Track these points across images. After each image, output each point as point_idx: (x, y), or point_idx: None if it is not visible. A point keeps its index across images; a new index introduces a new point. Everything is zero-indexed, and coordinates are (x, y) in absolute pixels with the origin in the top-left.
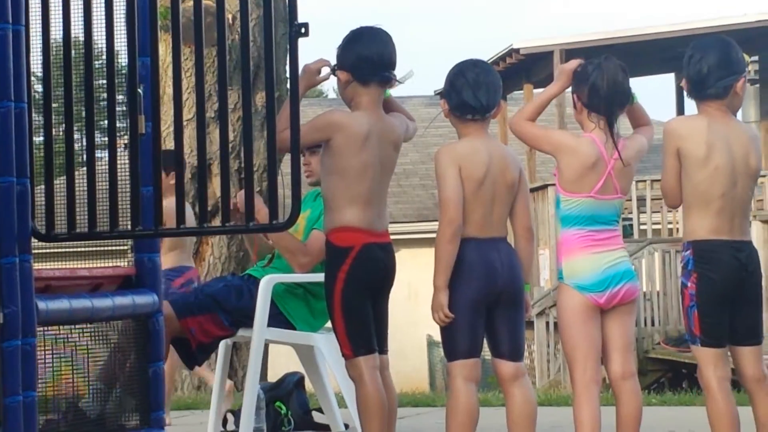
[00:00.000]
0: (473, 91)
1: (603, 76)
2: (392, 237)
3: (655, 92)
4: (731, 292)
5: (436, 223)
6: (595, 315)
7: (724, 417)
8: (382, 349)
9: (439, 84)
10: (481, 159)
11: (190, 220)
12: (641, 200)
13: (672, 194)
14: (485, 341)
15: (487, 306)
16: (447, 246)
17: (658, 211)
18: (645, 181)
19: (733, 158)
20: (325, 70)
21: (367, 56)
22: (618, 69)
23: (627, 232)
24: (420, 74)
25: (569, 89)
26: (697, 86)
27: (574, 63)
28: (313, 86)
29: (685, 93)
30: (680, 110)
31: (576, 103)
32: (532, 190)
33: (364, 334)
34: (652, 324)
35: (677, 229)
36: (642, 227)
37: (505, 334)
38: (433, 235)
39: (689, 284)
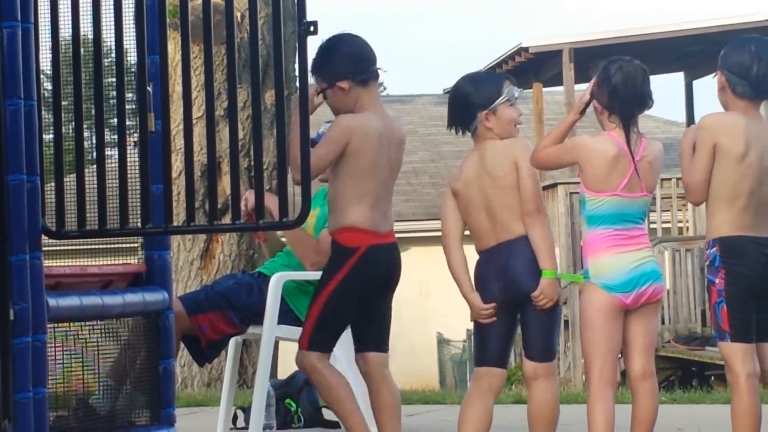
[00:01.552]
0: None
1: (624, 79)
2: (402, 235)
3: (664, 91)
4: (758, 287)
5: None
6: (619, 315)
7: (747, 414)
8: (382, 348)
9: (448, 82)
10: (463, 175)
11: None
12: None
13: (701, 190)
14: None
15: (514, 309)
16: (449, 258)
17: (668, 210)
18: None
19: (763, 157)
20: (318, 99)
21: (358, 55)
22: (638, 71)
23: None
24: (428, 73)
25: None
26: (756, 84)
27: (586, 94)
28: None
29: (726, 88)
30: (689, 109)
31: (596, 105)
32: (542, 189)
33: (332, 338)
34: (662, 322)
35: (687, 228)
36: (652, 226)
37: (528, 333)
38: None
39: (717, 280)
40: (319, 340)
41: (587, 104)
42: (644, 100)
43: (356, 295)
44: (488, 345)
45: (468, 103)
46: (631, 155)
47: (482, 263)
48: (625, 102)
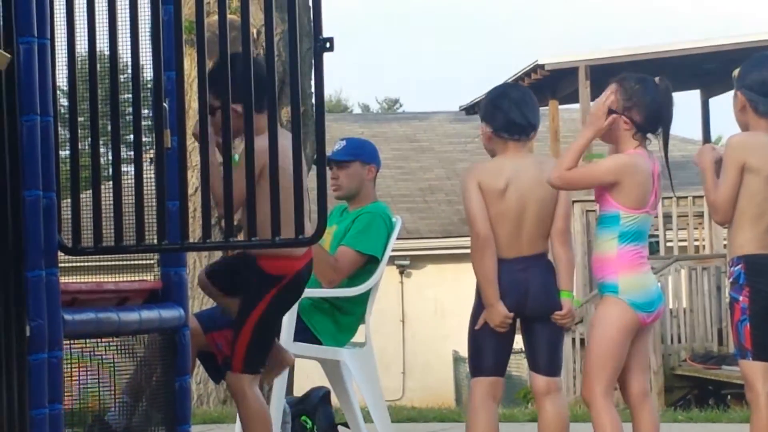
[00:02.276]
0: (520, 110)
1: (665, 101)
2: (418, 253)
3: (680, 108)
4: None
5: (462, 238)
6: (634, 334)
7: None
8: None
9: (464, 100)
10: (504, 175)
11: None
12: (667, 217)
13: (727, 209)
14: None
15: (522, 321)
16: (479, 262)
17: (685, 228)
18: (671, 198)
19: None
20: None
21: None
22: (670, 91)
23: (653, 249)
24: (445, 90)
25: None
26: None
27: (602, 108)
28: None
29: (747, 107)
30: (706, 127)
31: (623, 121)
32: None
33: (263, 356)
34: (679, 341)
35: (703, 246)
36: (668, 244)
37: (539, 348)
38: (459, 251)
39: (741, 298)
40: (253, 363)
41: (608, 120)
42: (671, 119)
43: (281, 315)
44: (490, 355)
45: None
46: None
47: (498, 272)
48: (664, 121)
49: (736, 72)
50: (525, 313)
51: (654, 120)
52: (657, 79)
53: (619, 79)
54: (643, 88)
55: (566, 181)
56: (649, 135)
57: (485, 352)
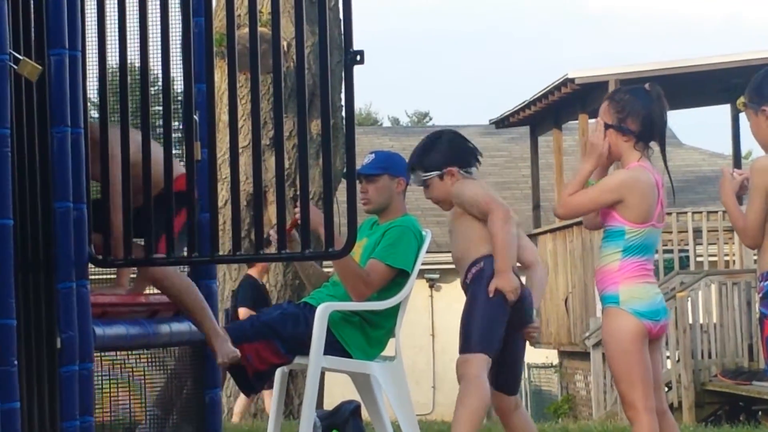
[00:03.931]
0: None
1: (657, 107)
2: (448, 267)
3: (711, 123)
4: None
5: None
6: (647, 342)
7: None
8: None
9: (494, 113)
10: None
11: None
12: (698, 232)
13: (756, 234)
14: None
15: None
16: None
17: (715, 243)
18: (701, 212)
19: None
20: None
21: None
22: (661, 96)
23: (683, 264)
24: (475, 103)
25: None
26: None
27: (599, 135)
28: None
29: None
30: (736, 142)
31: (620, 134)
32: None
33: None
34: (709, 356)
35: (733, 261)
36: (698, 259)
37: (516, 364)
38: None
39: None
40: None
41: (605, 136)
42: (665, 126)
43: None
44: (498, 339)
45: None
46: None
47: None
48: (660, 129)
49: (741, 100)
50: (514, 319)
51: (650, 126)
52: (647, 85)
53: (609, 95)
54: (633, 97)
55: (570, 208)
56: (652, 144)
57: (496, 333)
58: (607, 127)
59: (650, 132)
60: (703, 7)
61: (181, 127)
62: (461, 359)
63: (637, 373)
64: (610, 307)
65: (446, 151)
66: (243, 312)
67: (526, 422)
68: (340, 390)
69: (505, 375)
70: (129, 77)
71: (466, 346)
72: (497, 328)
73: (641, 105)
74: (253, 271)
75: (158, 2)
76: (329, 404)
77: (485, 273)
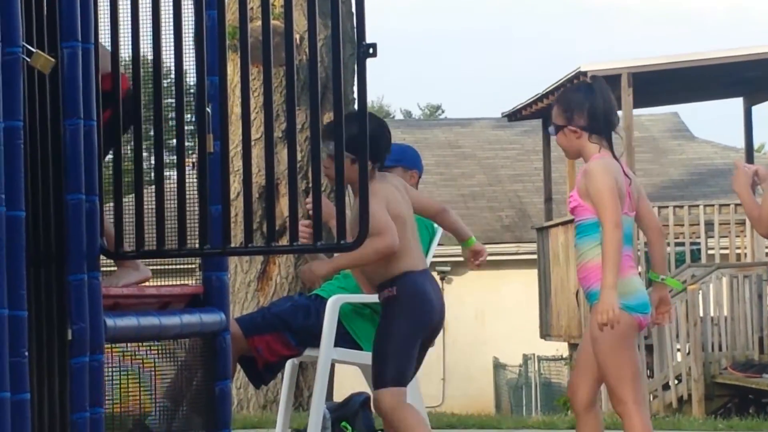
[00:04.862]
0: None
1: (599, 97)
2: (459, 259)
3: (723, 116)
4: None
5: (503, 245)
6: (636, 334)
7: None
8: None
9: (506, 106)
10: None
11: None
12: (709, 225)
13: None
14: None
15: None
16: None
17: (726, 236)
18: (713, 205)
19: None
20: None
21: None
22: (607, 89)
23: (695, 257)
24: (487, 96)
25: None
26: None
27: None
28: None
29: None
30: (749, 134)
31: (571, 131)
32: None
33: None
34: (720, 349)
35: (745, 254)
36: (710, 252)
37: (416, 366)
38: (500, 257)
39: None
40: None
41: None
42: (616, 116)
43: None
44: (410, 366)
45: None
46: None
47: (425, 280)
48: (605, 119)
49: None
50: (437, 329)
51: (597, 118)
52: (588, 79)
53: (556, 98)
54: (575, 93)
55: (614, 228)
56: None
57: (410, 365)
58: (557, 128)
59: (599, 123)
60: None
61: (193, 119)
62: (379, 395)
63: (628, 369)
64: (598, 303)
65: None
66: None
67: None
68: (350, 382)
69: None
70: (141, 70)
71: (380, 381)
72: (411, 359)
73: (583, 98)
74: None
75: None
76: (339, 396)
77: (399, 300)
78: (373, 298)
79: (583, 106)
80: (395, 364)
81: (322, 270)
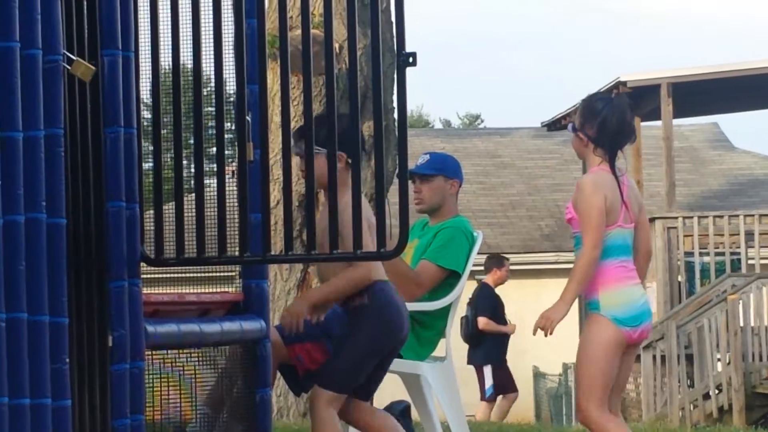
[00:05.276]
0: None
1: (613, 113)
2: None
3: (762, 127)
4: None
5: (543, 254)
6: (622, 350)
7: None
8: None
9: (546, 116)
10: None
11: None
12: (749, 235)
13: None
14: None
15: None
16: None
17: (767, 246)
18: (753, 215)
19: None
20: None
21: None
22: (627, 107)
23: (735, 267)
24: (527, 106)
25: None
26: None
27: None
28: None
29: None
30: None
31: (582, 137)
32: None
33: None
34: (760, 359)
35: None
36: (750, 262)
37: (380, 379)
38: (540, 266)
39: None
40: None
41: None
42: (631, 133)
43: None
44: (360, 378)
45: None
46: (619, 186)
47: (393, 291)
48: (612, 136)
49: None
50: (403, 341)
51: (606, 132)
52: (614, 92)
53: (583, 100)
54: (595, 104)
55: (592, 248)
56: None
57: (360, 376)
58: (573, 128)
59: (605, 139)
60: (742, 11)
61: (233, 128)
62: (319, 393)
63: (599, 384)
64: (591, 313)
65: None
66: (483, 322)
67: (383, 418)
68: (390, 390)
69: (363, 385)
70: (182, 78)
71: (328, 382)
72: (364, 371)
73: (598, 110)
74: (490, 281)
75: (211, 3)
76: (379, 404)
77: (371, 309)
78: (414, 306)
79: (595, 118)
80: (349, 372)
81: (302, 308)
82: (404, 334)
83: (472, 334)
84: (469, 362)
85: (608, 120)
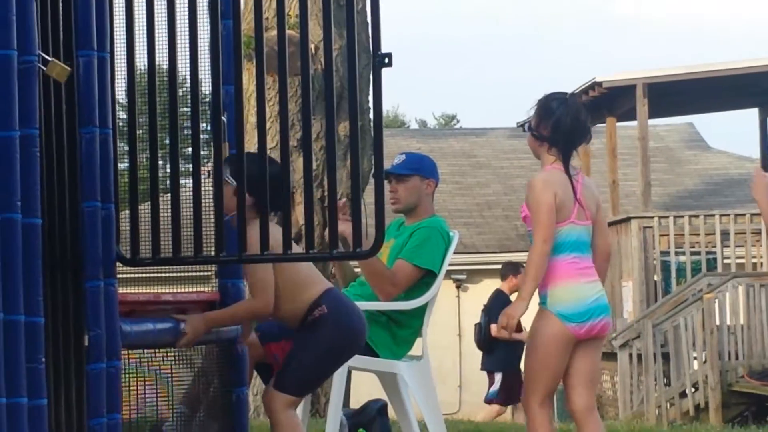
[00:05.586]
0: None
1: (567, 113)
2: (474, 267)
3: (738, 126)
4: None
5: (519, 254)
6: (569, 346)
7: None
8: None
9: (521, 116)
10: None
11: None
12: (725, 234)
13: None
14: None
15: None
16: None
17: (742, 245)
18: (728, 215)
19: None
20: None
21: None
22: (581, 108)
23: (711, 266)
24: (502, 106)
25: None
26: None
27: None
28: None
29: None
30: (764, 145)
31: (537, 136)
32: (615, 223)
33: None
34: (736, 358)
35: (761, 264)
36: (726, 261)
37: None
38: None
39: None
40: None
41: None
42: (586, 133)
43: None
44: (316, 385)
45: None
46: (572, 183)
47: (344, 295)
48: (566, 135)
49: None
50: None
51: (560, 132)
52: (568, 94)
53: (539, 100)
54: (550, 101)
55: (542, 242)
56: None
57: (317, 383)
58: (529, 128)
59: (560, 138)
60: (723, 13)
61: (209, 128)
62: (275, 395)
63: (543, 377)
64: (540, 307)
65: None
66: (496, 329)
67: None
68: (366, 389)
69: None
70: (157, 78)
71: (282, 384)
72: (321, 379)
73: (553, 110)
74: (505, 288)
75: (186, 4)
76: (356, 403)
77: (332, 314)
78: (390, 305)
79: (550, 118)
80: (309, 378)
81: (200, 325)
82: (363, 341)
83: (485, 340)
84: (482, 368)
85: (562, 120)
